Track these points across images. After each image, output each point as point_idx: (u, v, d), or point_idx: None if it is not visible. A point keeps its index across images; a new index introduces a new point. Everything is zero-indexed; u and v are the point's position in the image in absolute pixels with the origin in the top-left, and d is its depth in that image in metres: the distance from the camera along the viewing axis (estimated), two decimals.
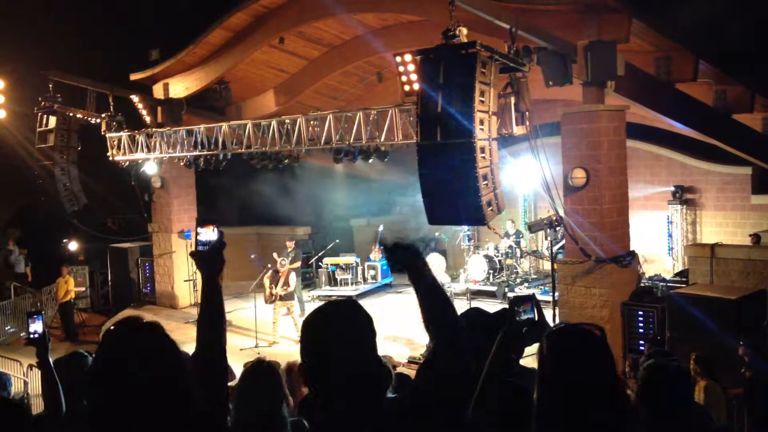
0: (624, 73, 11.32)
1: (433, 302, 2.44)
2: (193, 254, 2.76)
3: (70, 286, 17.88)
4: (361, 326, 2.31)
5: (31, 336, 3.96)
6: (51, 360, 3.97)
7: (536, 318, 2.59)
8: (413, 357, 12.82)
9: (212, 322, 2.61)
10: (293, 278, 15.14)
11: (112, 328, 2.19)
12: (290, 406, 5.89)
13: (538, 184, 12.14)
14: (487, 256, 18.21)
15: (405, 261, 2.49)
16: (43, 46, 22.68)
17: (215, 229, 2.75)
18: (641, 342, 10.99)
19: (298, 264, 16.93)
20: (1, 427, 1.97)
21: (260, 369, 4.13)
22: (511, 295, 16.60)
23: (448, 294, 10.54)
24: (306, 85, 17.71)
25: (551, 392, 2.27)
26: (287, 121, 14.58)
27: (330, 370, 2.23)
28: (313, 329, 2.33)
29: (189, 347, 2.33)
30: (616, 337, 11.35)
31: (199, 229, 2.76)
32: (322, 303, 2.37)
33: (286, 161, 15.61)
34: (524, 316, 2.60)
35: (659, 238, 18.17)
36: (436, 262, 13.79)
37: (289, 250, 16.87)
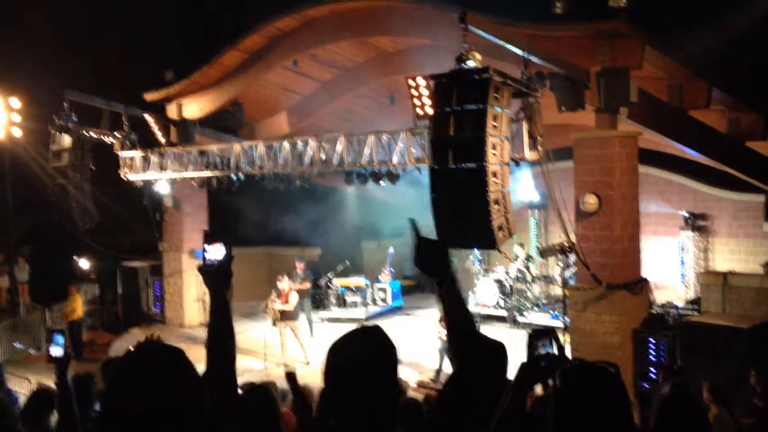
0: (637, 100, 11.32)
1: (460, 312, 2.40)
2: (200, 269, 2.76)
3: (77, 305, 17.90)
4: (388, 355, 2.25)
5: (52, 355, 3.98)
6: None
7: (556, 353, 2.55)
8: (422, 381, 12.75)
9: (221, 337, 2.61)
10: (294, 298, 15.06)
11: (131, 351, 2.16)
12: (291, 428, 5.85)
13: (549, 208, 12.12)
14: (497, 281, 18.13)
15: (439, 269, 2.45)
16: (58, 66, 22.91)
17: (223, 245, 2.75)
18: (652, 369, 10.91)
19: (308, 285, 16.90)
20: None
21: (257, 392, 4.13)
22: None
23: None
24: (319, 106, 17.80)
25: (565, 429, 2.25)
26: (299, 142, 14.64)
27: (350, 397, 2.19)
28: (339, 354, 2.26)
29: (199, 367, 2.31)
30: (627, 364, 11.26)
31: (207, 246, 2.77)
32: (345, 329, 2.31)
33: (297, 182, 15.64)
34: (542, 351, 2.56)
35: (671, 265, 18.04)
36: None
37: (299, 271, 16.85)
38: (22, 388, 13.39)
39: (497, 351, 2.71)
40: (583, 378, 2.36)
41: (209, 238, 2.76)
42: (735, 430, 7.60)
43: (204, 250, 2.75)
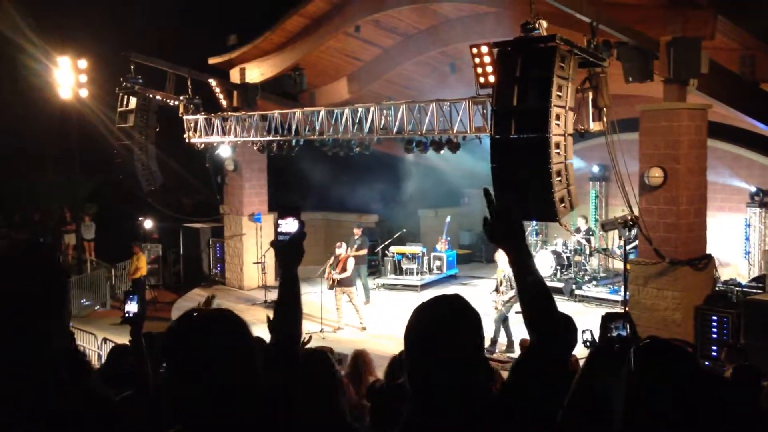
0: (707, 71, 10.99)
1: (534, 288, 2.37)
2: (273, 244, 2.80)
3: (141, 263, 18.38)
4: (472, 324, 2.25)
5: (126, 315, 4.13)
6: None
7: (629, 335, 2.53)
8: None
9: (289, 312, 2.65)
10: (351, 264, 15.18)
11: (189, 314, 2.25)
12: (350, 393, 5.93)
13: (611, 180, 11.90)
14: (555, 252, 17.98)
15: (510, 234, 2.42)
16: (124, 29, 23.31)
17: (296, 219, 2.77)
18: (714, 347, 10.73)
19: (364, 251, 17.03)
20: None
21: (316, 358, 4.19)
22: (587, 302, 16.41)
23: (516, 290, 10.39)
24: (379, 74, 17.75)
25: (641, 414, 2.20)
26: (360, 109, 14.65)
27: (433, 364, 2.18)
28: (423, 322, 2.26)
29: (256, 329, 2.38)
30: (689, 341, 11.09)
31: (280, 220, 2.79)
32: (401, 296, 2.33)
33: (357, 149, 15.69)
34: (615, 333, 2.55)
35: (735, 242, 17.62)
36: (506, 256, 13.62)
37: (356, 237, 16.99)
38: (88, 343, 13.88)
39: (568, 324, 2.70)
40: (660, 356, 2.30)
41: (283, 212, 2.78)
42: None
43: (277, 225, 2.78)
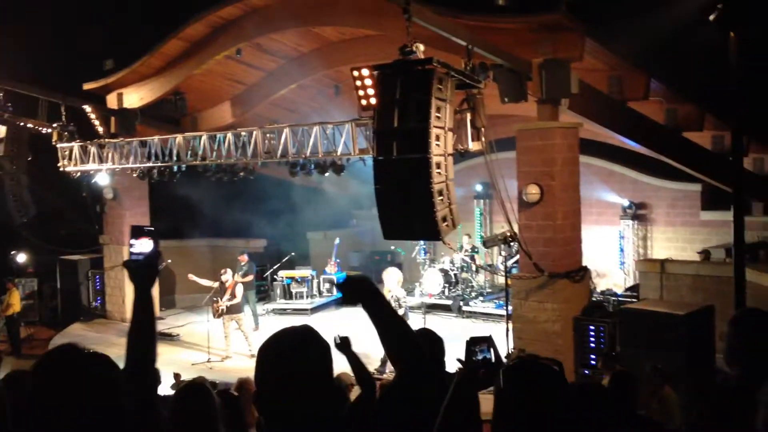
0: (578, 91, 11.51)
1: (392, 331, 2.47)
2: (126, 264, 2.71)
3: (14, 300, 17.42)
4: (320, 355, 2.25)
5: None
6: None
7: (493, 359, 2.60)
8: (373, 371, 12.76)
9: (145, 334, 2.58)
10: (239, 290, 14.95)
11: (47, 356, 2.15)
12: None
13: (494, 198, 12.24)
14: (442, 270, 18.28)
15: (359, 296, 2.54)
16: None
17: (151, 240, 2.72)
18: (592, 356, 11.14)
19: (251, 277, 16.77)
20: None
21: (193, 389, 4.09)
22: (474, 317, 16.75)
23: (405, 309, 10.51)
24: (263, 97, 17.60)
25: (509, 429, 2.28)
26: (243, 133, 14.48)
27: (284, 399, 2.17)
28: (269, 358, 2.25)
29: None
30: (569, 351, 11.47)
31: (133, 240, 2.74)
32: (277, 329, 2.34)
33: (241, 174, 15.47)
34: (480, 356, 2.62)
35: (611, 253, 18.45)
36: (393, 277, 13.81)
37: (242, 263, 16.69)
38: None
39: (437, 346, 2.78)
40: (526, 376, 2.38)
41: (136, 232, 2.73)
42: (679, 406, 7.92)
43: (130, 245, 2.71)
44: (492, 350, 2.60)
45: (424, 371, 2.43)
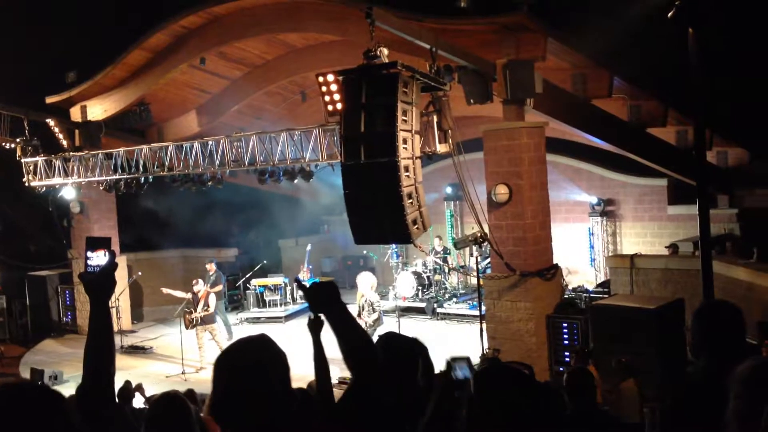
0: (542, 91, 11.59)
1: (352, 342, 2.51)
2: (81, 277, 2.68)
3: None
4: (273, 363, 2.28)
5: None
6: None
7: (471, 379, 2.68)
8: (343, 377, 12.72)
9: (100, 348, 2.54)
10: (213, 300, 14.82)
11: None
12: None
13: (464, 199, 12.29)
14: (415, 273, 18.31)
15: (324, 304, 2.59)
16: None
17: (106, 252, 2.68)
18: (566, 353, 11.21)
19: (220, 287, 16.60)
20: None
21: (167, 400, 4.04)
22: (448, 319, 16.79)
23: (379, 313, 10.50)
24: (229, 105, 17.50)
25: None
26: (210, 142, 14.38)
27: (239, 408, 2.19)
28: (223, 368, 2.29)
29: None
30: (542, 349, 11.55)
31: (89, 252, 2.70)
32: (242, 336, 2.38)
33: (209, 183, 15.36)
34: (460, 373, 2.72)
35: (581, 250, 18.60)
36: (366, 281, 13.80)
37: (211, 273, 16.49)
38: None
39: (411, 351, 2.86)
40: (496, 381, 2.42)
41: (92, 244, 2.68)
42: (639, 399, 8.01)
43: (86, 257, 2.67)
44: (471, 370, 2.70)
45: (377, 379, 2.48)
